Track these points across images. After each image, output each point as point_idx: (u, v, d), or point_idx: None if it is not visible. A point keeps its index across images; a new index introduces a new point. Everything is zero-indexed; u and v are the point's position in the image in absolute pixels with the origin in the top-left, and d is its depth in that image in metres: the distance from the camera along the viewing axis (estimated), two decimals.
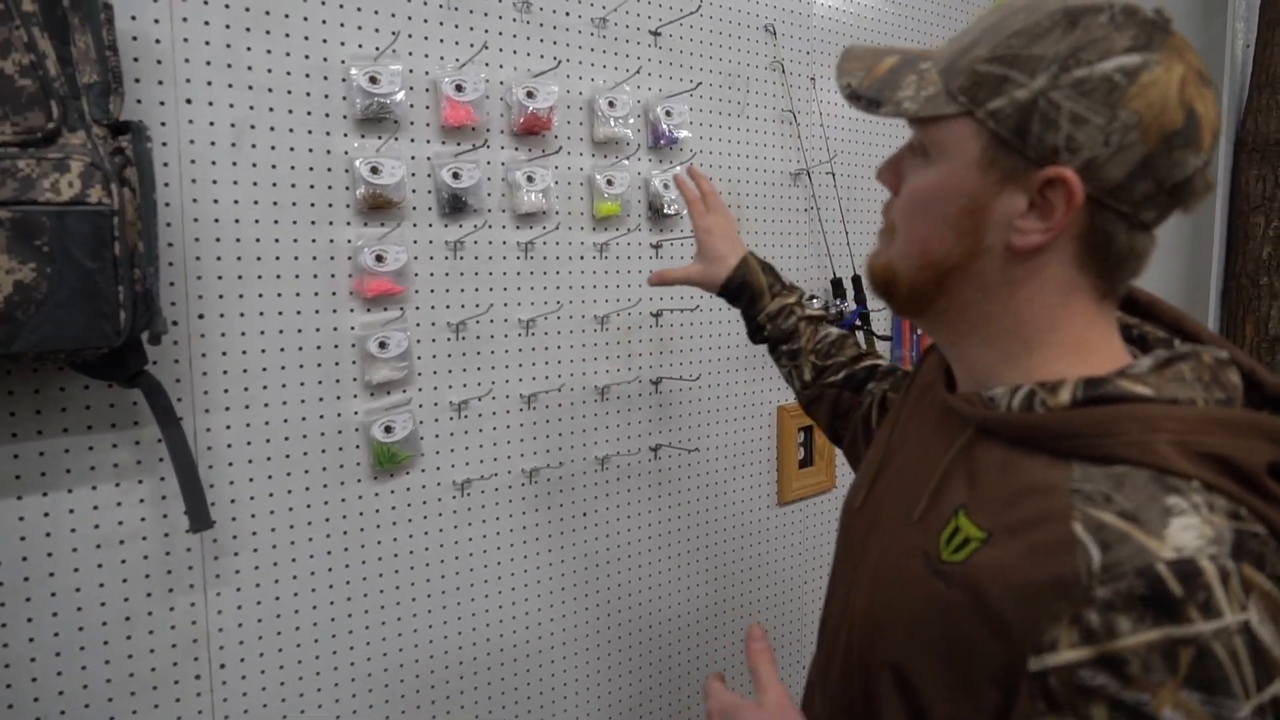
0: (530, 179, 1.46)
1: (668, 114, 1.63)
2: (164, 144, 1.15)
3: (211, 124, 1.19)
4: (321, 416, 1.30)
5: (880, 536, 0.77)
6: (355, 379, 1.33)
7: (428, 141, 1.37)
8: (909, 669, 0.67)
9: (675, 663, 1.78)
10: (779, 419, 1.91)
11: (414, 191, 1.36)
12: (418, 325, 1.39)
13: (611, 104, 1.55)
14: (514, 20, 1.45)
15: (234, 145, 1.20)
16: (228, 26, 1.19)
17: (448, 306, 1.42)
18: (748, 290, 1.23)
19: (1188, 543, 0.54)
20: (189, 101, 1.17)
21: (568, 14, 1.52)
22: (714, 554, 1.82)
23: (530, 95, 1.44)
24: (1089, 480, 0.60)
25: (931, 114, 0.65)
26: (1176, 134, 0.60)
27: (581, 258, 1.57)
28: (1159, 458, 0.58)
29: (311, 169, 1.27)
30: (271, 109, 1.23)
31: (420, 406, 1.40)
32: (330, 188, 1.29)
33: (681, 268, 1.30)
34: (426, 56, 1.37)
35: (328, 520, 1.32)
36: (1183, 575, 0.53)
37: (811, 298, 1.35)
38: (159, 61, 1.14)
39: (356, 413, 1.33)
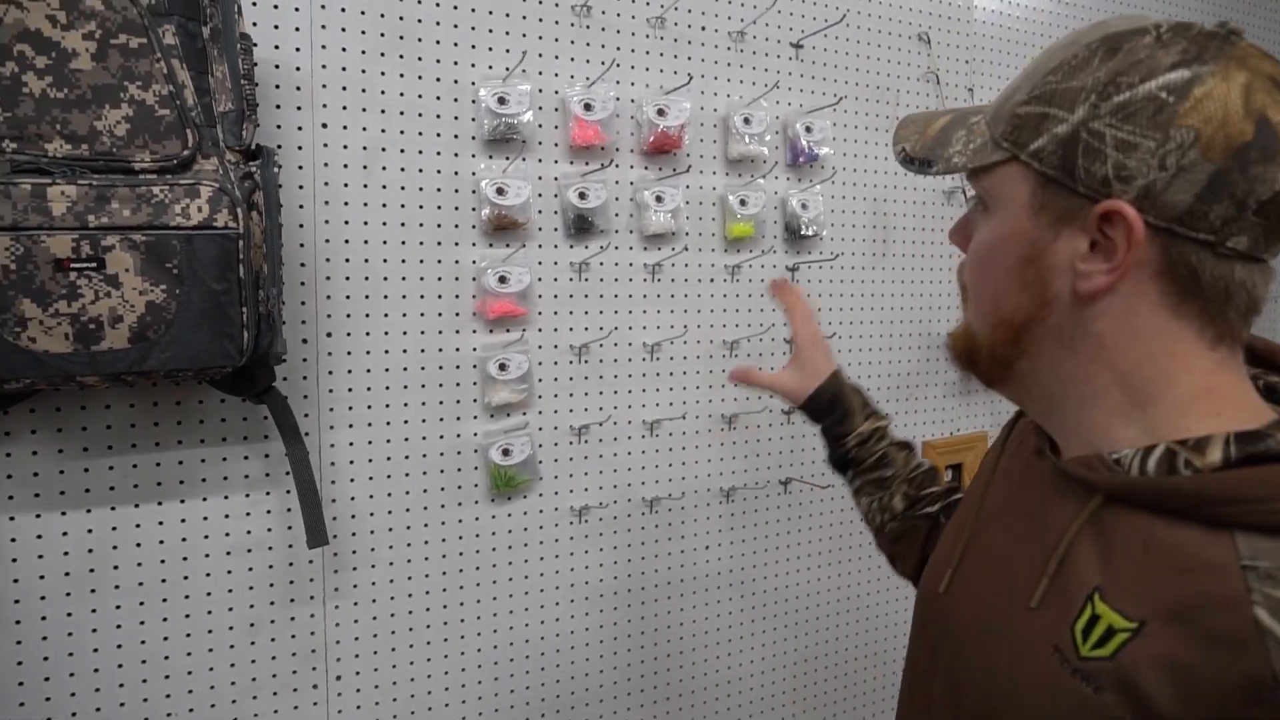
0: (659, 199, 1.42)
1: (808, 130, 1.54)
2: (299, 167, 1.18)
3: (345, 147, 1.22)
4: (441, 437, 1.30)
5: (983, 626, 0.67)
6: (475, 400, 1.32)
7: (555, 161, 1.36)
8: None
9: (795, 700, 1.68)
10: (922, 455, 1.76)
11: (539, 212, 1.35)
12: (539, 347, 1.37)
13: (747, 120, 1.48)
14: (647, 36, 1.41)
15: (365, 167, 1.23)
16: (363, 52, 1.22)
17: (570, 329, 1.39)
18: (839, 406, 1.07)
19: None
20: (324, 125, 1.20)
21: (703, 28, 1.46)
22: (847, 596, 1.70)
23: (661, 113, 1.40)
24: (1262, 555, 0.51)
25: (979, 164, 0.63)
26: (1248, 147, 0.53)
27: (711, 280, 1.50)
28: None
29: (439, 190, 1.28)
30: (402, 131, 1.25)
31: (539, 430, 1.38)
32: (456, 209, 1.29)
33: (771, 374, 1.13)
34: (556, 75, 1.35)
35: (444, 540, 1.32)
36: None
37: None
38: (298, 88, 1.18)
39: (476, 434, 1.33)
